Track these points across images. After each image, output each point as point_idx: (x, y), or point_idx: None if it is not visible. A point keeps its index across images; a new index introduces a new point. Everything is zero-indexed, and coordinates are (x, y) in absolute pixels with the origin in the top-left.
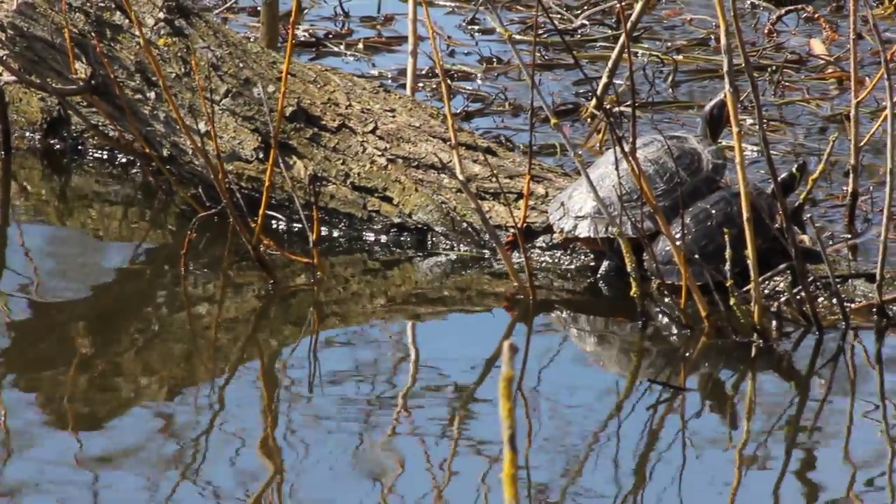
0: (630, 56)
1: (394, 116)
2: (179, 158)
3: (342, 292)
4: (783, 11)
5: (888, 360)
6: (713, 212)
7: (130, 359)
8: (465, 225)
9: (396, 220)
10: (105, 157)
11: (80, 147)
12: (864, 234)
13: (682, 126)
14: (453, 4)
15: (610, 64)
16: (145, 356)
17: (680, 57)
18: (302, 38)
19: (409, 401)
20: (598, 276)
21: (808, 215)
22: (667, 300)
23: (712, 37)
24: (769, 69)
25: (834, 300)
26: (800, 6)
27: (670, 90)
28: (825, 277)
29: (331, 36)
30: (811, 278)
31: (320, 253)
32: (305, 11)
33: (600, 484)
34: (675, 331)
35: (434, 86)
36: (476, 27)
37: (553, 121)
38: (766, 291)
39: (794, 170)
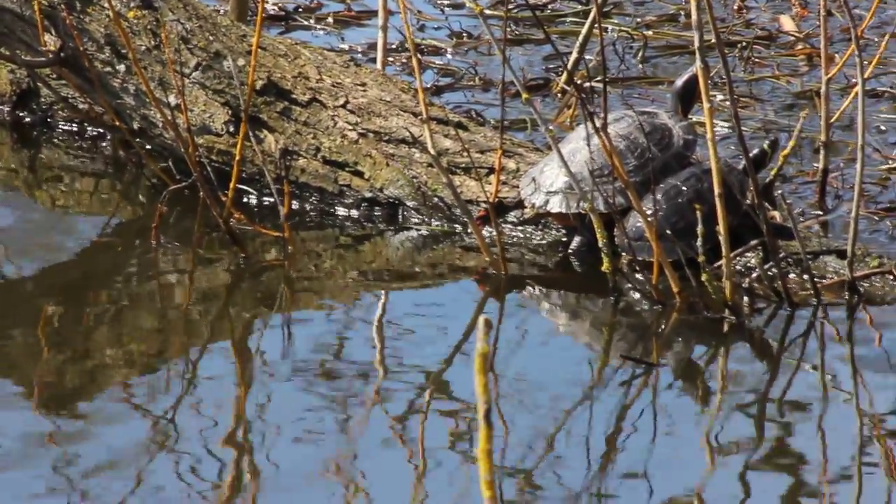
0: (601, 31)
1: (364, 91)
2: (149, 131)
3: (313, 266)
4: None
5: (859, 335)
6: (684, 188)
7: (101, 332)
8: (436, 200)
9: (368, 195)
10: (75, 129)
11: (49, 120)
12: (834, 210)
13: (652, 102)
14: None
15: (580, 39)
16: (116, 329)
17: (650, 33)
18: (271, 12)
19: (381, 376)
20: (570, 251)
21: (779, 192)
22: (638, 276)
23: (682, 12)
24: (739, 45)
25: (805, 276)
26: None
27: (640, 66)
28: (796, 254)
29: (300, 10)
30: (782, 255)
31: (291, 227)
32: None
33: (573, 459)
34: (646, 306)
35: (404, 60)
36: (446, 2)
37: (524, 96)
38: (738, 268)
39: (765, 146)
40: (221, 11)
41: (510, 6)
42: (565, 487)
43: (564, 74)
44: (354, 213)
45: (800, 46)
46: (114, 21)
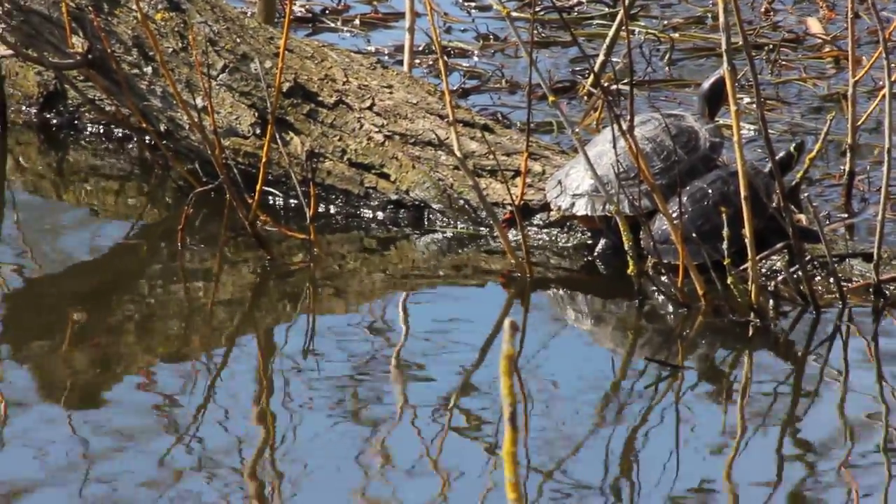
0: (627, 34)
1: (391, 93)
2: (176, 133)
3: (339, 269)
4: None
5: (884, 339)
6: (710, 191)
7: (126, 334)
8: (462, 202)
9: (393, 197)
10: (102, 131)
11: (76, 121)
12: (861, 213)
13: (679, 104)
14: None
15: (607, 42)
16: (141, 331)
17: (677, 35)
18: (299, 14)
19: (406, 378)
20: (595, 254)
21: (806, 194)
22: (663, 279)
23: (709, 15)
24: (766, 48)
25: (831, 279)
26: None
27: (667, 68)
28: (822, 257)
29: (327, 12)
30: (808, 258)
31: (317, 229)
32: None
33: (597, 461)
34: (671, 309)
35: (431, 62)
36: (473, 4)
37: (551, 98)
38: (764, 270)
39: (791, 149)
40: (249, 14)
41: (537, 8)
42: (590, 489)
43: (591, 77)
44: (380, 215)
45: (827, 49)
46: (141, 23)
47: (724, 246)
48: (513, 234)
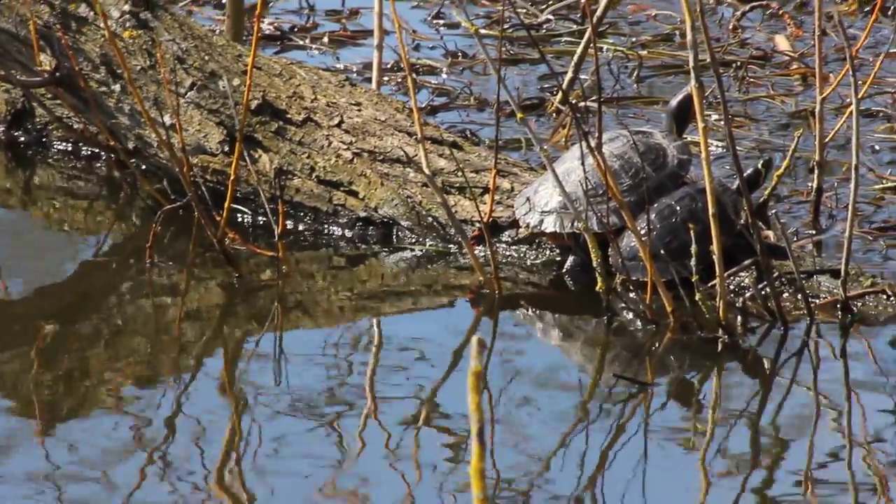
0: (596, 51)
1: (359, 110)
2: (144, 151)
3: (307, 286)
4: (748, 7)
5: (852, 355)
6: (677, 208)
7: (95, 352)
8: (430, 219)
9: (362, 214)
10: (70, 149)
11: (44, 139)
12: (828, 230)
13: (647, 121)
14: None
15: (575, 59)
16: (110, 349)
17: (645, 52)
18: (267, 32)
19: (374, 395)
20: (564, 270)
21: (773, 211)
22: (632, 295)
23: (677, 32)
24: (734, 65)
25: (799, 296)
26: (764, 2)
27: (635, 85)
28: (790, 273)
29: (296, 29)
30: (776, 274)
31: (285, 247)
32: (271, 5)
33: (565, 478)
34: (640, 326)
35: (399, 80)
36: (441, 21)
37: (519, 115)
38: (732, 287)
39: (759, 166)
40: (217, 31)
41: (505, 26)
42: None
43: (559, 94)
44: (349, 232)
45: (794, 66)
46: (109, 41)
47: (693, 263)
48: (482, 251)
